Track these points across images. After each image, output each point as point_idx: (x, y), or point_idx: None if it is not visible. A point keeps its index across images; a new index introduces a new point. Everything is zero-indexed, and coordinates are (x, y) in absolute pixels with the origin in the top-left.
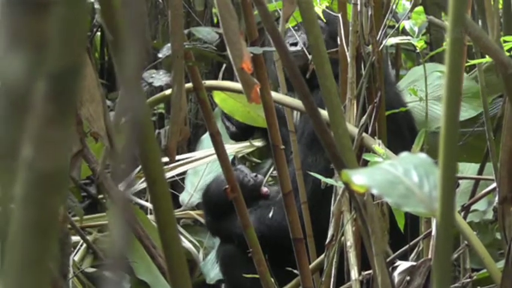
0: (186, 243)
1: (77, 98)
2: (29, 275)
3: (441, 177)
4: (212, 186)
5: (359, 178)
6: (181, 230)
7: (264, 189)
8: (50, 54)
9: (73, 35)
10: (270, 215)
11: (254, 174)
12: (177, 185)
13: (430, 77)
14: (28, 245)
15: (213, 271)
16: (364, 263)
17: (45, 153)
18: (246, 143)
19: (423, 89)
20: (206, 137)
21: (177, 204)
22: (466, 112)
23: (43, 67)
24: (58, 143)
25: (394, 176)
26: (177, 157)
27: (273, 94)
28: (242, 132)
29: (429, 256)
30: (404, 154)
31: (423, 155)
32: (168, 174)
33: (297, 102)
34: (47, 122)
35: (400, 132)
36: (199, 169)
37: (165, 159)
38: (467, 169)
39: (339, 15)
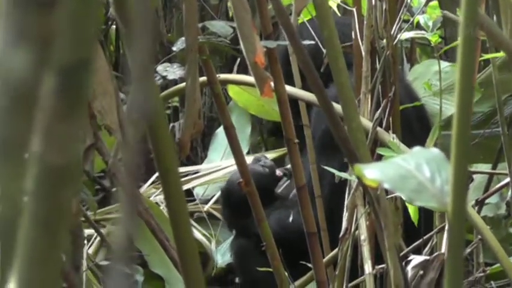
0: (200, 237)
1: (88, 92)
2: (39, 269)
3: (453, 171)
4: (232, 179)
5: (371, 172)
6: (195, 224)
7: (277, 171)
8: (59, 49)
9: (83, 28)
10: (290, 219)
11: (263, 161)
12: None
13: (429, 74)
14: (38, 239)
15: (223, 257)
16: (378, 257)
17: (55, 147)
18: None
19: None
20: (221, 131)
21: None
22: None
23: (50, 62)
24: (68, 137)
25: (406, 170)
26: (195, 167)
27: (287, 88)
28: None
29: (443, 250)
30: (416, 149)
31: (435, 150)
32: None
33: (311, 96)
34: (56, 116)
35: (410, 127)
36: (213, 161)
37: (181, 169)
38: (481, 166)
39: (354, 9)
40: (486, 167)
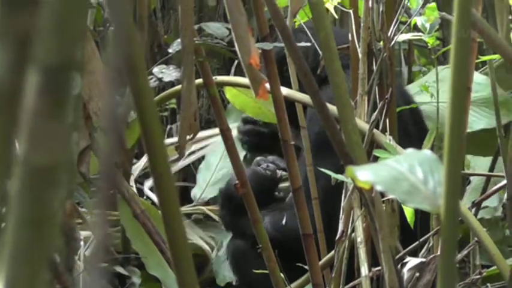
0: (197, 239)
1: (74, 92)
2: (24, 270)
3: (446, 173)
4: (231, 181)
5: (364, 174)
6: (193, 225)
7: (278, 172)
8: (44, 48)
9: (68, 27)
10: (284, 221)
11: (266, 164)
12: (189, 179)
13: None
14: (23, 240)
15: (223, 270)
16: (375, 259)
17: (39, 147)
18: None
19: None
20: None
21: (189, 199)
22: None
23: (34, 62)
24: (53, 137)
25: (399, 172)
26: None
27: (284, 89)
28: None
29: (439, 253)
30: (409, 150)
31: (428, 152)
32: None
33: (307, 98)
34: (41, 116)
35: (406, 130)
36: (211, 164)
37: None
38: (479, 166)
39: (351, 11)
40: (484, 161)
